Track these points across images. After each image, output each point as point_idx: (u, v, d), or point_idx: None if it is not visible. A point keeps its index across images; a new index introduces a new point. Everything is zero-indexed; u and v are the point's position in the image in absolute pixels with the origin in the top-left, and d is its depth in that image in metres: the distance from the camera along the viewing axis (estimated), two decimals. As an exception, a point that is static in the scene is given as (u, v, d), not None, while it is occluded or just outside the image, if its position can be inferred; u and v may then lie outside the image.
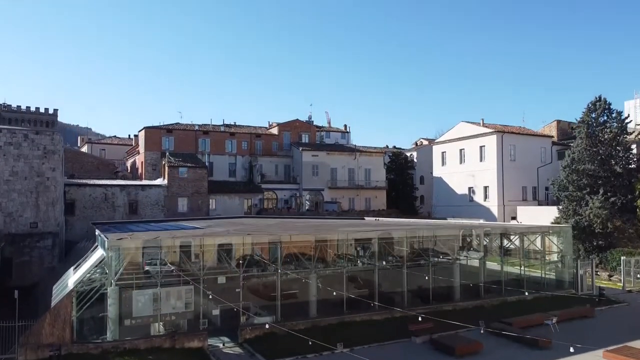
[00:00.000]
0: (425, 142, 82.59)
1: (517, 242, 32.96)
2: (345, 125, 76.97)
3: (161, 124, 61.48)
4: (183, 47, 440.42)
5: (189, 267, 22.91)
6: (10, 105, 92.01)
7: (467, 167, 59.83)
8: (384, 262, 27.92)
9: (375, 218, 50.45)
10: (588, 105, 45.41)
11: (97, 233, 26.03)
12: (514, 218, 54.16)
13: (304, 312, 24.70)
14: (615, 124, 44.41)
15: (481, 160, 57.98)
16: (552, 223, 42.95)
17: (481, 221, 47.96)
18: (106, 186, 47.13)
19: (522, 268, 32.27)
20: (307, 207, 60.17)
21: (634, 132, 47.85)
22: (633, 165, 44.18)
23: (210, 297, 21.51)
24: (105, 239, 21.55)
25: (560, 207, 45.39)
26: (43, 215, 35.88)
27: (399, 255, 28.55)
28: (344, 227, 31.84)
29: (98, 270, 21.14)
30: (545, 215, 47.84)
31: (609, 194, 41.87)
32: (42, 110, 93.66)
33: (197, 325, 22.26)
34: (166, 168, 50.68)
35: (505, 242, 32.51)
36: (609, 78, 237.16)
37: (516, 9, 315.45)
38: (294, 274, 24.92)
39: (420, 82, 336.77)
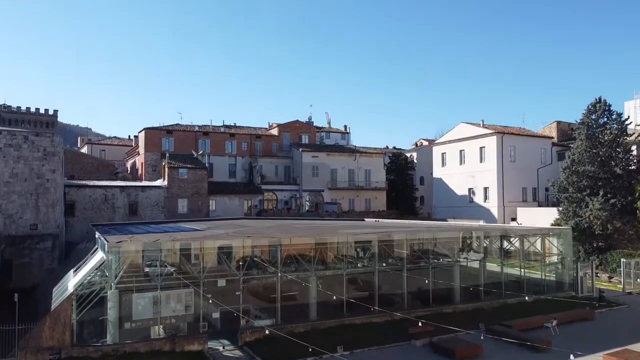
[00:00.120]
0: (425, 143, 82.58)
1: (517, 244, 32.96)
2: (345, 126, 77.01)
3: (161, 124, 61.70)
4: (183, 47, 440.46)
5: (189, 269, 22.88)
6: (10, 106, 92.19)
7: (467, 168, 59.87)
8: (384, 264, 27.92)
9: (375, 219, 50.45)
10: (588, 106, 45.46)
11: (97, 235, 26.01)
12: (514, 219, 54.20)
13: (304, 315, 24.70)
14: (615, 126, 44.47)
15: (481, 161, 58.02)
16: (552, 224, 42.94)
17: (481, 222, 48.04)
18: (106, 187, 47.18)
19: (522, 270, 32.27)
20: (307, 208, 60.17)
21: (634, 133, 47.83)
22: (633, 167, 44.19)
23: (210, 300, 21.51)
24: (105, 242, 21.54)
25: (560, 208, 45.44)
26: (43, 216, 35.88)
27: (399, 257, 28.57)
28: (344, 229, 31.83)
29: (98, 274, 21.12)
30: (545, 216, 47.85)
31: (609, 195, 41.88)
32: (42, 111, 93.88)
33: (197, 328, 22.28)
34: (166, 169, 50.69)
35: (505, 243, 32.51)
36: (609, 78, 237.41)
37: (516, 9, 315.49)
38: (294, 276, 24.92)
39: (420, 82, 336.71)
